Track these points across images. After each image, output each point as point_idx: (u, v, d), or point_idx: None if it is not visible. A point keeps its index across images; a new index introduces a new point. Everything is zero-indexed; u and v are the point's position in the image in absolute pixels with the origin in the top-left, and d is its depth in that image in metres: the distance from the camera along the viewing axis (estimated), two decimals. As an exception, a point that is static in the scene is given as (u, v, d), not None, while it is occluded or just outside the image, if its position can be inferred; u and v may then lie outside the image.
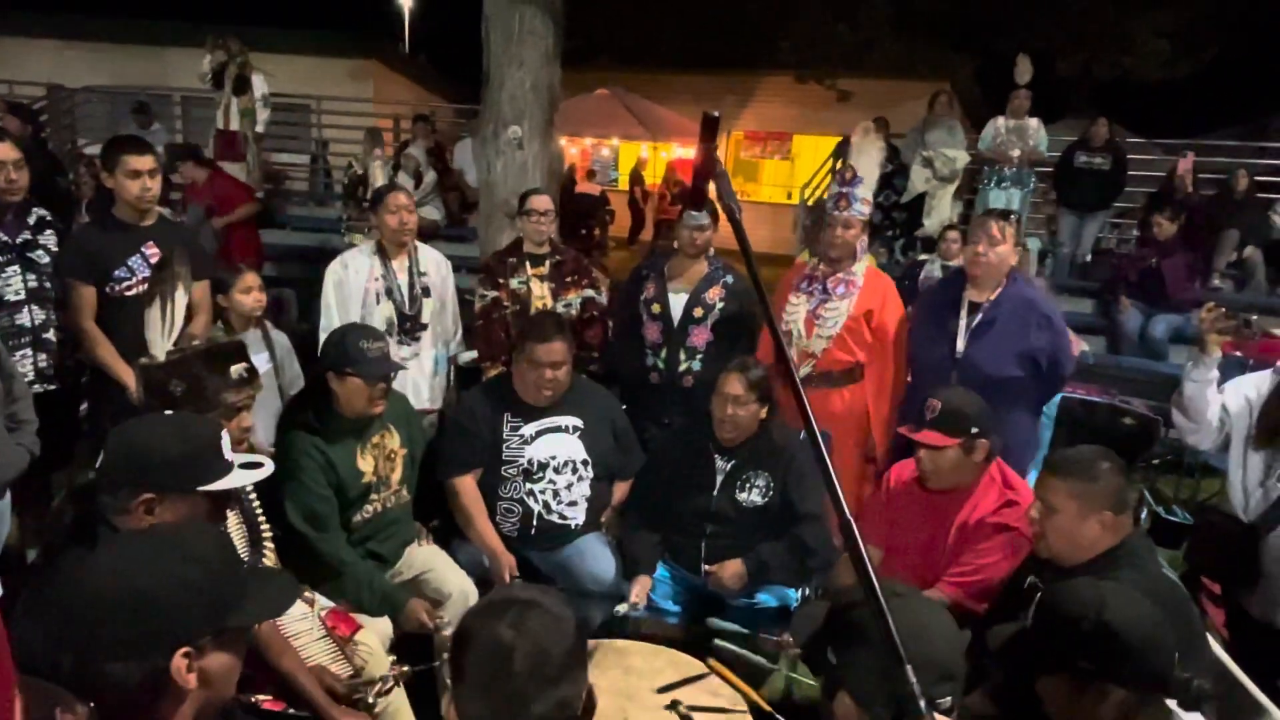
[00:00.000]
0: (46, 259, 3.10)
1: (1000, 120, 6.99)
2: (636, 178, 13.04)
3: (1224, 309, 2.59)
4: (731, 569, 2.66)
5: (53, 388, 3.12)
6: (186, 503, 1.59)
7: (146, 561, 1.15)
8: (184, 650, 1.11)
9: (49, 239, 3.13)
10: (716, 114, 1.34)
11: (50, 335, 3.10)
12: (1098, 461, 1.94)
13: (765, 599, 2.74)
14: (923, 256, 6.34)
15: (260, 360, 3.22)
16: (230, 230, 6.12)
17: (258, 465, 1.79)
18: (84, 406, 3.48)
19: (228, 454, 1.69)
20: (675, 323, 3.32)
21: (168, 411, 1.85)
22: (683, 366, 3.31)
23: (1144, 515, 3.85)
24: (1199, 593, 2.86)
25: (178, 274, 2.19)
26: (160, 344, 2.12)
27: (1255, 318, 2.69)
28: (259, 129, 7.81)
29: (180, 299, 2.18)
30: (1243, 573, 2.55)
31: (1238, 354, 4.52)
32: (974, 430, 2.35)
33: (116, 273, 3.04)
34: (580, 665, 1.20)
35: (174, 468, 1.58)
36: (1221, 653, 2.04)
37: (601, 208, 11.31)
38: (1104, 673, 1.42)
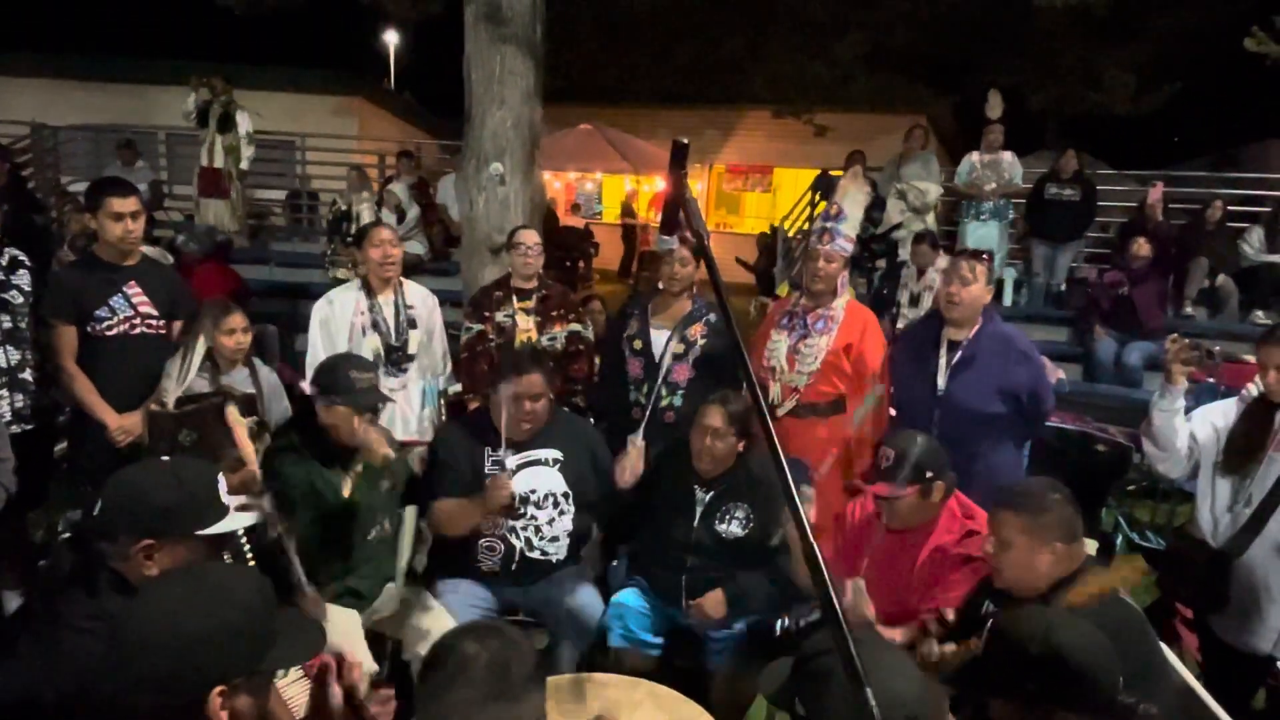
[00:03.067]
0: (20, 299, 3.11)
1: (975, 155, 7.15)
2: (628, 210, 13.17)
3: (1188, 340, 2.65)
4: (713, 598, 2.67)
5: (29, 427, 3.10)
6: (185, 547, 1.60)
7: (194, 603, 1.21)
8: (219, 690, 1.17)
9: (22, 278, 3.13)
10: (686, 141, 1.36)
11: (26, 375, 3.09)
12: (1047, 494, 1.96)
13: (744, 628, 2.75)
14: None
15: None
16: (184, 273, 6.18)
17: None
18: (60, 446, 3.47)
19: (224, 497, 1.71)
20: (657, 359, 3.35)
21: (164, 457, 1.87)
22: (664, 402, 3.33)
23: (1119, 541, 3.89)
24: (1173, 618, 2.89)
25: (203, 326, 2.24)
26: (174, 391, 2.15)
27: (1218, 348, 2.78)
28: (243, 166, 7.88)
29: (200, 349, 2.23)
30: (1212, 598, 2.58)
31: (1210, 380, 4.60)
32: (928, 475, 2.35)
33: (97, 312, 3.04)
34: (537, 691, 1.26)
35: (172, 514, 1.59)
36: (1189, 677, 2.07)
37: (585, 241, 11.43)
38: (1051, 697, 1.45)
